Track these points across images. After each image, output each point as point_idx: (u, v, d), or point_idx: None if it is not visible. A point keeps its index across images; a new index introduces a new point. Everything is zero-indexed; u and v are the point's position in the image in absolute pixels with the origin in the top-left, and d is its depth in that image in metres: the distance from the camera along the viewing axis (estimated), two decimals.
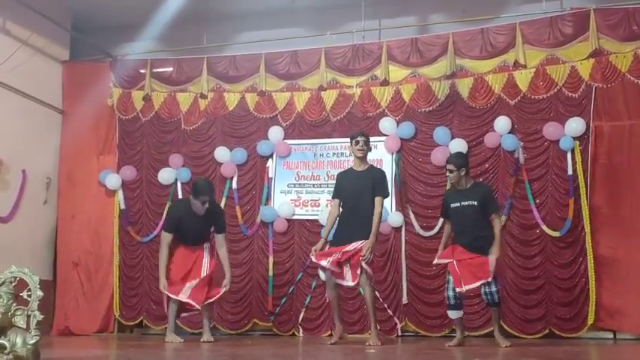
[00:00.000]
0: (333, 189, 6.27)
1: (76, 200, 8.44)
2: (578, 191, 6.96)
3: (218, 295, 6.41)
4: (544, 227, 7.02)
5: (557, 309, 6.93)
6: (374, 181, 5.93)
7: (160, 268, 6.39)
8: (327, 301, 6.10)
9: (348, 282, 5.84)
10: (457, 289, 5.72)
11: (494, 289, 5.67)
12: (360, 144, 5.96)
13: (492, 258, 5.70)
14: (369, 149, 6.10)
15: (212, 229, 6.57)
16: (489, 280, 5.64)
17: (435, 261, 6.10)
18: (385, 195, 5.99)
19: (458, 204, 5.91)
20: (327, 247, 6.06)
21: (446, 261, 5.93)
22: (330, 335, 7.45)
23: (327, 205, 7.39)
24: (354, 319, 7.44)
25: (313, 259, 5.99)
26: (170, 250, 6.40)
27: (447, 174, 6.11)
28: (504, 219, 6.95)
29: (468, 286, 5.70)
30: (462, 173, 5.92)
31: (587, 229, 6.87)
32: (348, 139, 6.17)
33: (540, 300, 6.98)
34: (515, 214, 7.20)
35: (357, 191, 5.92)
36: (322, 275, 7.05)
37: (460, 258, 5.77)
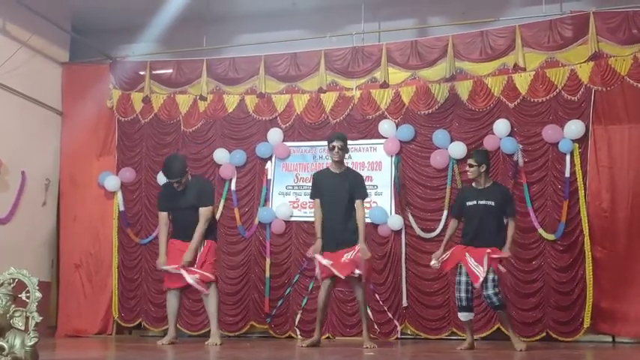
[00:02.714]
0: (311, 188, 6.24)
1: (77, 202, 8.45)
2: (577, 194, 6.97)
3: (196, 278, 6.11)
4: (540, 231, 7.02)
5: (554, 312, 6.92)
6: (352, 184, 6.00)
7: (160, 245, 6.36)
8: (319, 301, 6.07)
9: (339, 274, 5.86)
10: (475, 285, 5.62)
11: (491, 291, 5.59)
12: (336, 150, 5.99)
13: (505, 255, 5.71)
14: (347, 152, 6.16)
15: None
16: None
17: (433, 262, 6.00)
18: (365, 197, 6.09)
19: (474, 202, 5.86)
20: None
21: (445, 264, 5.92)
22: (328, 338, 7.48)
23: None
24: (353, 321, 7.43)
25: (318, 258, 5.89)
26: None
27: (467, 169, 6.04)
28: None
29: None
30: (482, 170, 5.90)
31: (586, 232, 6.87)
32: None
33: (538, 303, 6.97)
34: None
35: (338, 194, 5.96)
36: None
37: (471, 253, 5.71)
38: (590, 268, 6.80)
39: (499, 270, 5.75)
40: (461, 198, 6.11)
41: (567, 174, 6.99)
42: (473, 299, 5.86)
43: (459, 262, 5.83)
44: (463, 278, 5.78)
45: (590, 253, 6.83)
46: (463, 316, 5.84)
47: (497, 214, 5.81)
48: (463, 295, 5.77)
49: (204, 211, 6.25)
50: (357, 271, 5.78)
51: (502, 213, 5.86)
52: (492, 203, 5.80)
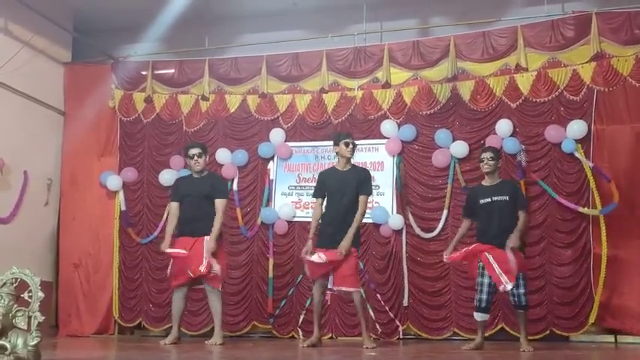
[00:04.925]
0: (315, 187, 6.26)
1: (77, 202, 8.45)
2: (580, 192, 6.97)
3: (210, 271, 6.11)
4: (582, 209, 6.87)
5: (558, 309, 6.91)
6: (359, 180, 6.01)
7: (166, 234, 6.41)
8: (314, 302, 6.10)
9: (330, 285, 5.92)
10: (505, 288, 5.58)
11: (522, 290, 5.62)
12: (351, 146, 6.04)
13: (509, 252, 5.60)
14: None
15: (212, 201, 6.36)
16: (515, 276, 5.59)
17: (446, 257, 6.01)
18: (369, 194, 6.09)
19: (489, 199, 5.85)
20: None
21: (459, 257, 5.89)
22: (331, 338, 7.48)
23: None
24: (355, 321, 7.40)
25: (308, 257, 5.93)
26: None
27: (487, 162, 5.93)
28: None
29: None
30: (498, 165, 5.98)
31: (591, 229, 6.87)
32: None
33: (541, 300, 6.95)
34: None
35: (344, 191, 5.97)
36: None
37: (493, 254, 5.67)
38: (604, 265, 6.73)
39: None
40: (473, 197, 6.07)
41: (591, 164, 6.89)
42: (492, 301, 5.87)
43: (478, 262, 5.80)
44: (486, 280, 5.75)
45: (603, 250, 6.76)
46: (479, 316, 5.83)
47: (512, 208, 5.82)
48: (485, 297, 5.75)
49: (220, 203, 6.33)
50: (346, 289, 5.84)
51: (515, 207, 5.86)
52: (507, 198, 5.81)
